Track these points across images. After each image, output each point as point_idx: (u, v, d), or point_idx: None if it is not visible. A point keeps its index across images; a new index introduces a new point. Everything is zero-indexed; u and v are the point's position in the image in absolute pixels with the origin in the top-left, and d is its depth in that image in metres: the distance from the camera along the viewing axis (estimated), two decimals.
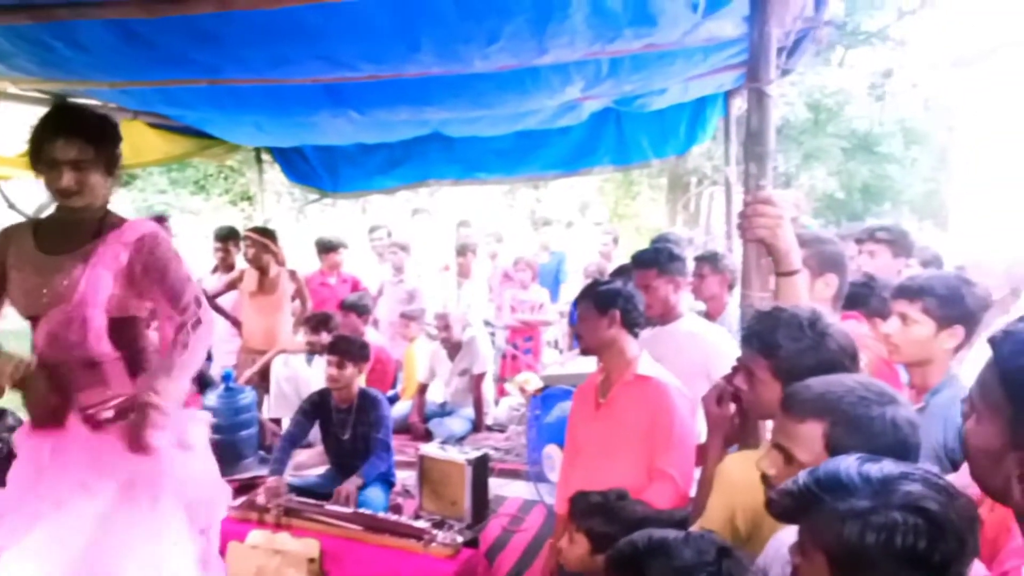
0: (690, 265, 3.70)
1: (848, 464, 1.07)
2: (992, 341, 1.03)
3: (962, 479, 1.94)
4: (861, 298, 2.89)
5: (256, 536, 3.12)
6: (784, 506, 1.11)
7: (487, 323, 6.59)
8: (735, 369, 1.85)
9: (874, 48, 13.52)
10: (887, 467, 1.06)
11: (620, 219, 18.10)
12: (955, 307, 2.21)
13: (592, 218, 16.36)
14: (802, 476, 1.09)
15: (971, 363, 2.87)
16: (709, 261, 3.82)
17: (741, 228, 2.00)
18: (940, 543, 0.98)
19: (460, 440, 4.84)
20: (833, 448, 1.37)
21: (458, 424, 5.11)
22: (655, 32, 2.56)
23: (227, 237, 5.69)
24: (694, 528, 1.82)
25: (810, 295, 2.14)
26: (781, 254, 1.96)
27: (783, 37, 2.43)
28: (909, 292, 2.27)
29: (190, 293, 2.20)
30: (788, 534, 1.49)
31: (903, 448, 1.35)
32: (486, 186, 13.77)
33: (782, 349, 1.65)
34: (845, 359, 1.63)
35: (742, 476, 1.66)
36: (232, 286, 5.26)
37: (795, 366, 1.63)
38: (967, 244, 11.82)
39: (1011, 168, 13.69)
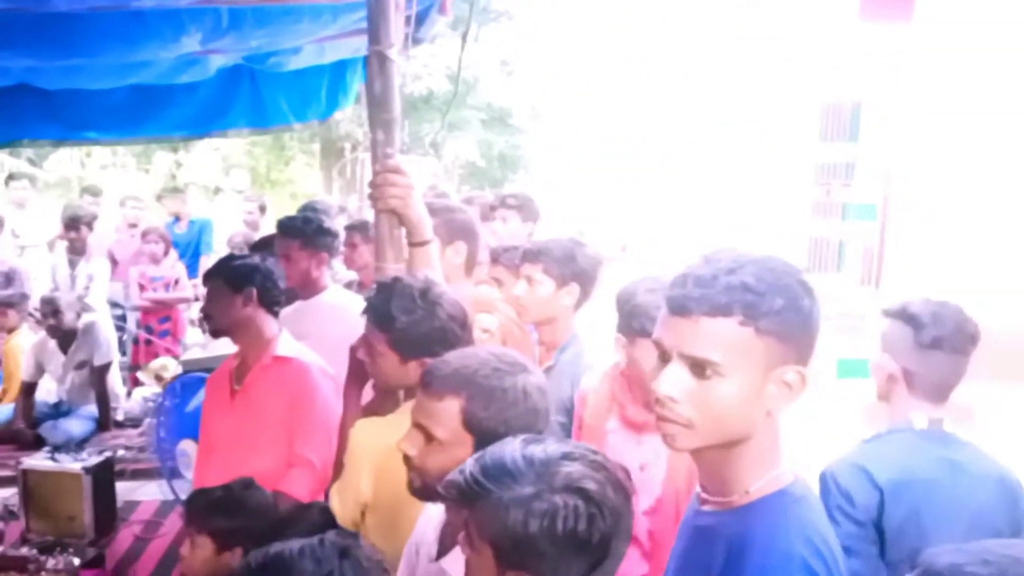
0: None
1: (513, 448, 1.06)
2: None
3: None
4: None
5: None
6: (451, 498, 1.07)
7: (116, 305, 5.80)
8: (361, 340, 1.82)
9: (503, 27, 14.60)
10: (550, 447, 1.06)
11: (273, 185, 17.28)
12: (570, 266, 2.43)
13: (240, 184, 15.37)
14: (469, 465, 1.06)
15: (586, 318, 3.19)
16: (359, 230, 3.75)
17: (372, 198, 1.94)
18: (599, 522, 1.01)
19: (82, 443, 4.19)
20: (469, 422, 1.38)
21: (78, 425, 4.43)
22: None
23: None
24: (332, 488, 1.79)
25: (441, 263, 2.18)
26: (413, 224, 1.94)
27: (407, 4, 2.40)
28: (531, 255, 2.45)
29: None
30: (436, 510, 1.50)
31: (534, 414, 1.40)
32: (113, 148, 12.15)
33: (397, 321, 1.67)
34: (455, 326, 1.69)
35: (372, 442, 1.65)
36: None
37: (409, 337, 1.66)
38: (585, 208, 13.50)
39: (608, 144, 15.85)
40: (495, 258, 2.79)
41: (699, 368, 1.07)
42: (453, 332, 1.67)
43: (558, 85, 14.95)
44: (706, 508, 1.17)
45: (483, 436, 1.34)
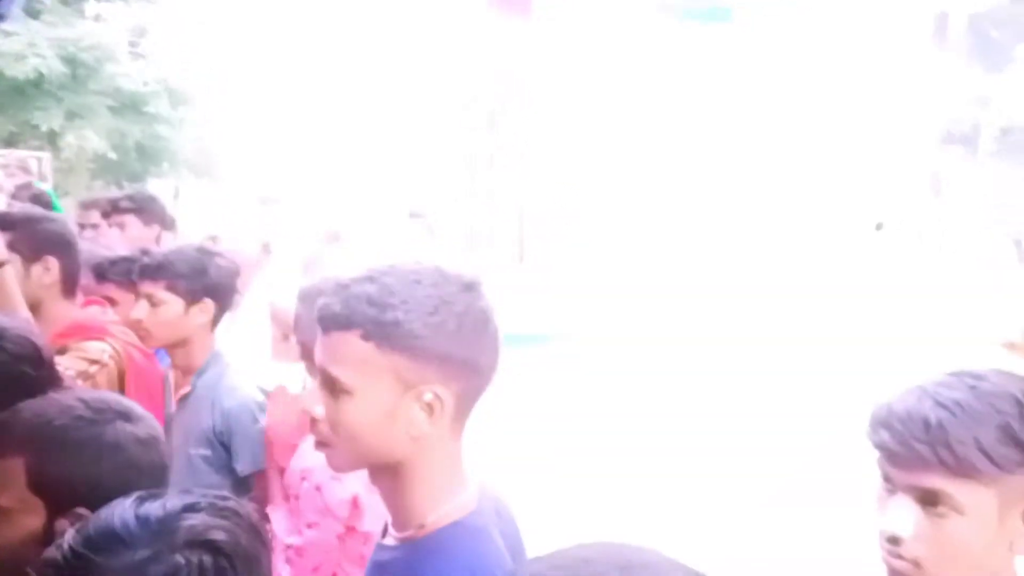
0: None
1: (124, 510, 0.90)
2: None
3: None
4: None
5: None
6: None
7: None
8: None
9: (129, 5, 13.10)
10: (170, 502, 0.92)
11: None
12: (200, 280, 2.20)
13: None
14: (69, 538, 0.88)
15: (233, 331, 2.96)
16: None
17: None
18: (231, 573, 0.91)
19: None
20: (37, 484, 1.16)
21: None
22: None
23: None
24: None
25: (27, 285, 1.87)
26: None
27: None
28: (151, 271, 2.18)
29: None
30: None
31: (132, 470, 1.19)
32: None
33: None
34: (26, 367, 1.41)
35: None
36: None
37: None
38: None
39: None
40: (101, 274, 2.43)
41: (331, 385, 1.02)
42: (25, 375, 1.38)
43: (199, 68, 13.77)
44: (386, 542, 1.11)
45: (58, 500, 1.15)
